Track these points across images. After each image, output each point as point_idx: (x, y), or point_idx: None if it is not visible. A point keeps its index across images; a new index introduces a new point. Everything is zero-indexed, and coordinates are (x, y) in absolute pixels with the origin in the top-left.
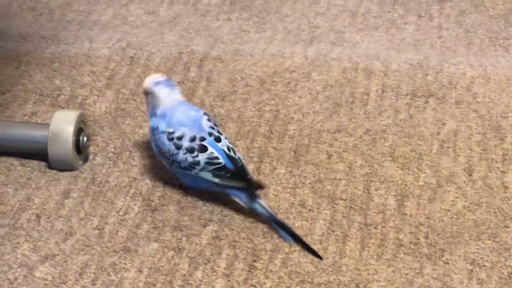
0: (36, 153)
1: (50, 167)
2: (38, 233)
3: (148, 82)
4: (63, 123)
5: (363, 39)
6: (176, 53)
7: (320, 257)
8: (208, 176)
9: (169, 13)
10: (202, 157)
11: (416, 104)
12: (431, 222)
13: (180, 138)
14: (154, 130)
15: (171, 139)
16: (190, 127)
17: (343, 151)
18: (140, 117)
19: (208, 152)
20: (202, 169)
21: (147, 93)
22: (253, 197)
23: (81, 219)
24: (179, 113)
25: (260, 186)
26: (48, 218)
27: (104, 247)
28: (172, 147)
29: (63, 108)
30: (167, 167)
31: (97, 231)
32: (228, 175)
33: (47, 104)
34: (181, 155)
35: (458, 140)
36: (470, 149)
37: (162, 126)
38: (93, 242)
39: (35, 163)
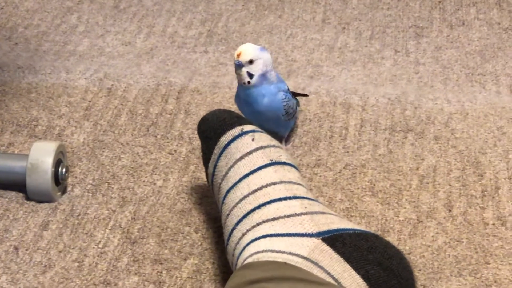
0: (14, 184)
1: (28, 198)
2: (16, 265)
3: (253, 49)
4: (42, 154)
5: (340, 73)
6: (154, 85)
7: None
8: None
9: (146, 45)
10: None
11: (395, 139)
12: (412, 258)
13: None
14: (280, 92)
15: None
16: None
17: (323, 185)
18: (118, 148)
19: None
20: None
21: (252, 62)
22: None
23: (60, 251)
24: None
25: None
26: (26, 250)
27: (84, 280)
28: (292, 99)
29: (40, 139)
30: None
31: (76, 264)
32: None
33: (24, 134)
34: (292, 101)
35: (437, 176)
36: (450, 185)
37: (286, 86)
38: (73, 275)
39: (12, 194)
